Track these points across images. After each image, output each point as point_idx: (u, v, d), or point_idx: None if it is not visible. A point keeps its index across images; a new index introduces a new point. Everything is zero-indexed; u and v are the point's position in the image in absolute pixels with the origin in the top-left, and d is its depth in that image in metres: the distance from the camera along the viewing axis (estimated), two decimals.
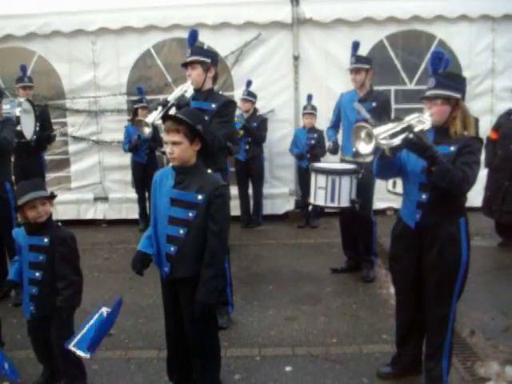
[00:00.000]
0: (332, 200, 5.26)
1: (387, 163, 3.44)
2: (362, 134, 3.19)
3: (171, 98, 4.51)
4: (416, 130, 3.20)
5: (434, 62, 3.46)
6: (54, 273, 3.53)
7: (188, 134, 3.18)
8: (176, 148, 3.19)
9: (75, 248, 3.62)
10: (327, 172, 5.29)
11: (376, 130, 3.14)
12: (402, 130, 3.20)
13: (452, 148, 3.29)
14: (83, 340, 3.25)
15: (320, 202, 5.35)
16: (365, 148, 3.21)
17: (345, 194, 5.25)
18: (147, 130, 4.54)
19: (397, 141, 3.18)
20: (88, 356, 3.26)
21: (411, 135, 3.15)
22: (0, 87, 5.79)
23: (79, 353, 3.25)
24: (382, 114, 5.50)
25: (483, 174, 7.60)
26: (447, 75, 3.43)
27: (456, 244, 3.36)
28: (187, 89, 4.59)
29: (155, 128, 5.24)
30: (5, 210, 5.13)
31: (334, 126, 6.01)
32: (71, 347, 3.25)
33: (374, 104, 5.54)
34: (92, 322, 3.34)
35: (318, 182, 5.34)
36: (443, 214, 3.34)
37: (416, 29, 8.02)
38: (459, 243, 3.36)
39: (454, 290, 3.42)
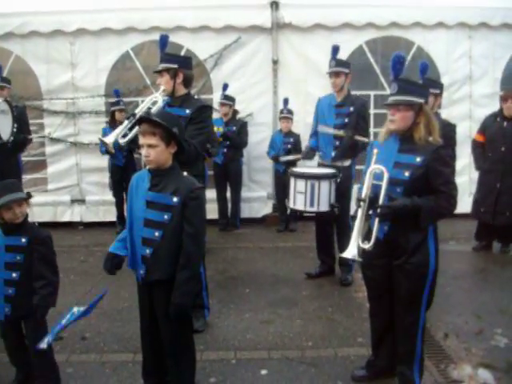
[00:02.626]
0: (311, 205, 5.24)
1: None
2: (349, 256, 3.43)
3: (138, 110, 4.52)
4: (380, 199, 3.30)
5: (396, 66, 3.42)
6: (31, 273, 3.49)
7: (164, 136, 3.17)
8: (152, 151, 3.18)
9: (53, 248, 3.59)
10: (306, 177, 5.27)
11: (349, 253, 3.39)
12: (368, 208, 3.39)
13: (418, 159, 3.29)
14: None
15: (299, 206, 5.32)
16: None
17: (324, 199, 5.23)
18: (110, 147, 4.59)
19: (373, 237, 3.35)
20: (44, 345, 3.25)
21: (379, 210, 3.28)
22: None
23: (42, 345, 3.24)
24: (358, 119, 5.56)
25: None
26: (409, 81, 3.43)
27: (423, 252, 3.38)
28: (156, 100, 4.60)
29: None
30: None
31: (315, 133, 5.91)
32: (42, 346, 3.23)
33: (351, 109, 5.56)
34: (63, 321, 3.31)
35: (297, 187, 5.31)
36: (411, 224, 3.33)
37: (394, 35, 8.12)
38: (427, 252, 3.39)
39: (423, 297, 3.45)
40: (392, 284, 3.53)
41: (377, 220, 3.35)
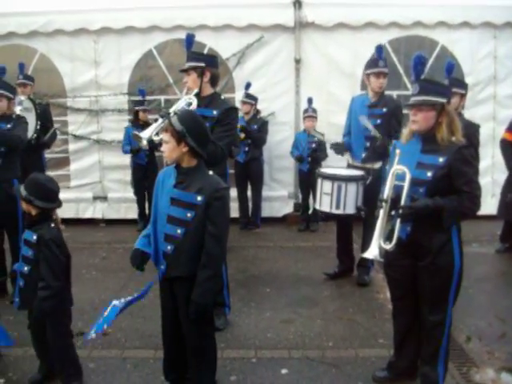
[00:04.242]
0: (337, 207, 5.14)
1: None
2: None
3: (172, 110, 4.52)
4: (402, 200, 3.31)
5: (417, 67, 3.41)
6: (39, 270, 3.54)
7: (174, 134, 3.21)
8: (166, 146, 3.26)
9: (57, 253, 3.56)
10: (333, 178, 5.18)
11: (370, 253, 3.42)
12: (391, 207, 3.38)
13: (441, 159, 3.27)
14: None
15: (325, 208, 5.24)
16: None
17: (351, 201, 5.13)
18: (144, 143, 4.58)
19: (395, 237, 3.36)
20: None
21: (400, 210, 3.28)
22: (13, 85, 5.77)
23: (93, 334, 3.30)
24: (391, 120, 5.48)
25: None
26: (430, 80, 3.41)
27: (448, 253, 3.35)
28: (192, 102, 4.57)
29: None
30: (12, 207, 5.11)
31: (348, 133, 5.82)
32: (91, 336, 3.28)
33: (384, 110, 5.48)
34: (106, 313, 3.34)
35: (323, 188, 5.23)
36: (434, 224, 3.31)
37: (418, 34, 8.04)
38: (451, 252, 3.36)
39: (448, 298, 3.43)
40: (416, 284, 3.51)
41: (398, 221, 3.33)
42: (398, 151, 3.42)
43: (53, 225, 3.65)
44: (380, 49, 5.55)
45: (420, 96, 3.33)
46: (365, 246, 5.60)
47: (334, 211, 5.20)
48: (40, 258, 3.52)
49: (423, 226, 3.36)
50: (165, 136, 3.24)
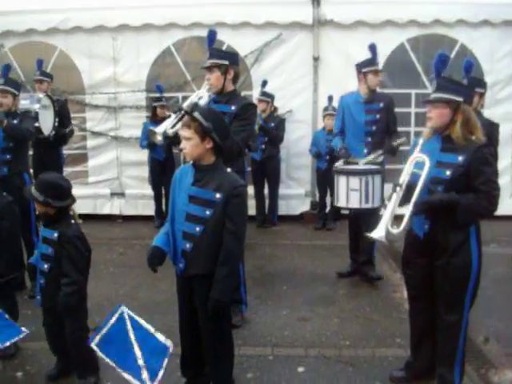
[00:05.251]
0: (366, 201, 5.16)
1: None
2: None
3: (185, 105, 4.53)
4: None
5: (437, 65, 3.42)
6: (60, 267, 3.57)
7: (198, 130, 3.18)
8: (187, 143, 3.22)
9: (81, 248, 3.61)
10: (361, 173, 5.20)
11: (377, 233, 3.32)
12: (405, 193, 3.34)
13: (460, 158, 3.25)
14: (106, 341, 3.26)
15: (354, 204, 5.23)
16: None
17: (378, 194, 5.18)
18: (158, 138, 4.59)
19: (404, 223, 3.31)
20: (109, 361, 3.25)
21: (415, 209, 3.25)
22: (19, 81, 5.86)
23: (102, 355, 3.25)
24: (388, 114, 5.61)
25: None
26: (449, 79, 3.40)
27: (466, 252, 3.33)
28: (202, 95, 4.59)
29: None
30: (23, 199, 5.17)
31: (341, 132, 5.84)
32: (94, 346, 3.27)
33: (381, 105, 5.59)
34: (112, 322, 3.32)
35: (350, 184, 5.20)
36: (452, 223, 3.29)
37: (438, 33, 7.98)
38: (469, 252, 3.33)
39: (465, 298, 3.40)
40: (433, 284, 3.49)
41: (411, 210, 3.28)
42: (420, 141, 3.42)
43: (72, 221, 3.68)
44: (373, 47, 5.66)
45: (436, 93, 3.34)
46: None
47: (364, 206, 5.20)
48: (62, 254, 3.54)
49: (441, 224, 3.34)
50: (186, 132, 3.20)
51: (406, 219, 3.31)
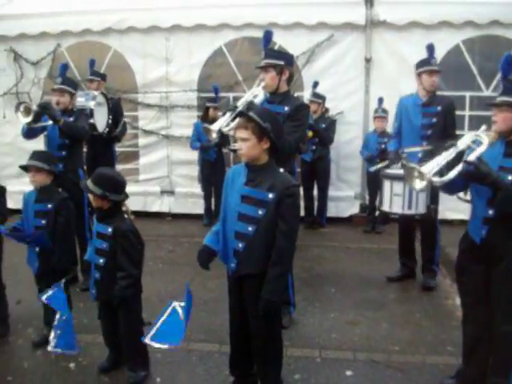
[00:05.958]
0: (409, 207, 5.10)
1: (451, 182, 3.26)
2: (415, 173, 3.14)
3: (240, 103, 4.54)
4: (472, 154, 3.08)
5: (504, 66, 3.31)
6: (116, 261, 3.64)
7: (256, 131, 3.19)
8: (244, 144, 3.22)
9: (135, 242, 3.68)
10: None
11: (425, 168, 3.08)
12: (456, 158, 3.12)
13: None
14: (160, 333, 3.32)
15: (397, 209, 5.19)
16: (419, 184, 3.16)
17: (422, 200, 5.09)
18: (214, 136, 4.61)
19: (452, 174, 3.08)
20: (166, 346, 3.36)
21: (465, 165, 3.07)
22: (75, 80, 6.02)
23: (158, 345, 3.32)
24: (447, 117, 5.45)
25: None
26: None
27: None
28: (258, 93, 4.59)
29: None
30: (77, 195, 5.30)
31: (398, 133, 5.77)
32: (148, 341, 3.33)
33: (438, 108, 5.44)
34: (165, 317, 3.39)
35: (394, 189, 5.16)
36: (510, 229, 3.20)
37: (495, 34, 7.75)
38: None
39: None
40: (489, 291, 3.39)
41: (460, 166, 3.10)
42: (485, 141, 3.23)
43: (126, 216, 3.76)
44: (431, 47, 5.54)
45: (502, 96, 3.24)
46: (424, 244, 5.67)
47: (407, 211, 5.14)
48: (118, 249, 3.62)
49: (498, 229, 3.25)
50: (243, 133, 3.21)
51: (453, 172, 3.12)
